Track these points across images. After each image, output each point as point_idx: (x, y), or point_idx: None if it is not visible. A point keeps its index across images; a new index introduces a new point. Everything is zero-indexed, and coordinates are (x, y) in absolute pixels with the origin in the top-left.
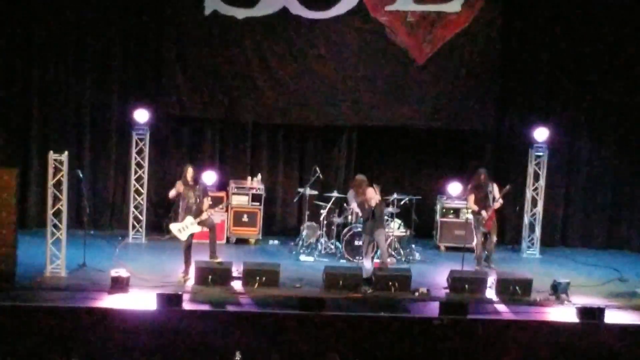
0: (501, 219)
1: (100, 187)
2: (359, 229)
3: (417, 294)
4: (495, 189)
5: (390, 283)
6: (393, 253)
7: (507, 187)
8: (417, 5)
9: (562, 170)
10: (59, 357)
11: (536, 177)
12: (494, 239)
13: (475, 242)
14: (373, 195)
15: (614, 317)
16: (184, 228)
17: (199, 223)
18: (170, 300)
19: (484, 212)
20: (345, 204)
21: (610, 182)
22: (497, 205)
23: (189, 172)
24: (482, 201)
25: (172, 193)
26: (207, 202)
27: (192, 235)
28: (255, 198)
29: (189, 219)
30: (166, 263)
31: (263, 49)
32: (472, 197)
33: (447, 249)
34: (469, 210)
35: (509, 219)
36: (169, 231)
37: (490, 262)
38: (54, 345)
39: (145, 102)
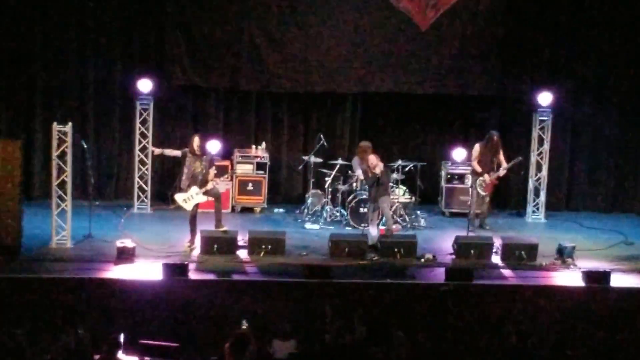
0: (505, 184)
1: (104, 157)
2: (364, 196)
3: (423, 260)
4: (501, 155)
5: (396, 250)
6: (398, 219)
7: (517, 159)
8: None
9: (566, 134)
10: (65, 328)
11: (540, 142)
12: (487, 200)
13: (470, 201)
14: (377, 162)
15: (620, 280)
16: (189, 198)
17: (204, 193)
18: (176, 270)
19: (486, 176)
20: (349, 171)
21: (614, 146)
22: (501, 173)
23: (196, 141)
24: (487, 164)
25: (170, 152)
26: (212, 172)
27: (197, 205)
28: (260, 166)
29: (195, 189)
30: (172, 233)
31: (265, 17)
32: (478, 158)
33: (452, 214)
34: (472, 170)
35: (514, 184)
36: (174, 201)
37: (485, 225)
38: (60, 316)
39: (149, 72)
